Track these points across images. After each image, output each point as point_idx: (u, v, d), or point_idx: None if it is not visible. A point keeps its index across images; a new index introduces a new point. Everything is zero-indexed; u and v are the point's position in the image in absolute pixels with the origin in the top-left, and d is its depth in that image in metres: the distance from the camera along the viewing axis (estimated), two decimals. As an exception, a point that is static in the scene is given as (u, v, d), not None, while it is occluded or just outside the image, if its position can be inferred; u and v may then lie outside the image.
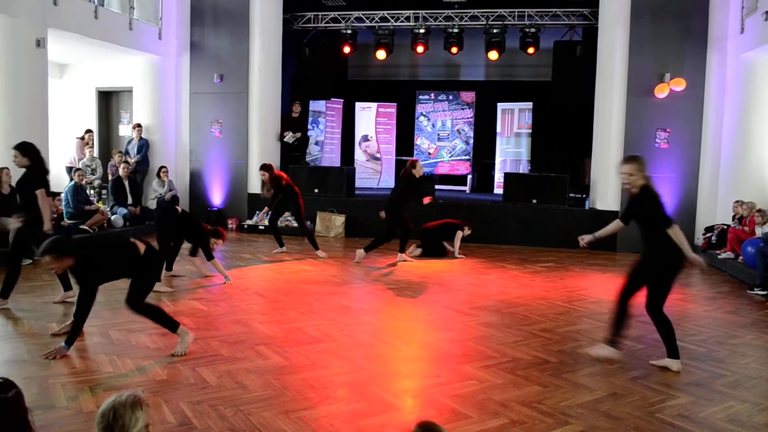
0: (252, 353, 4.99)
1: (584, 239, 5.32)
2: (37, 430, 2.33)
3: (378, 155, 15.27)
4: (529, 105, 14.36)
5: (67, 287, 6.47)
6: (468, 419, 3.86)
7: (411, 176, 9.19)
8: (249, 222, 12.18)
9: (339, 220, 11.85)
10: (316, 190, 12.22)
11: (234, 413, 3.84)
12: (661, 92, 10.45)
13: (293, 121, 13.17)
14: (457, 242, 9.87)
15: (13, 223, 6.34)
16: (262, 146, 12.50)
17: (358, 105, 15.34)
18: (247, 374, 4.51)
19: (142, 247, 4.96)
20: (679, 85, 10.36)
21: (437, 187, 13.63)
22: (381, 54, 13.25)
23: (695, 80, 10.50)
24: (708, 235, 10.04)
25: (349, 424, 3.74)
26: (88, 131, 12.36)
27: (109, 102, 13.82)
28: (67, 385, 4.22)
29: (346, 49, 13.44)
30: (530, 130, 14.37)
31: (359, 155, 15.29)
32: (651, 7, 10.59)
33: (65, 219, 9.47)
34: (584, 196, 11.98)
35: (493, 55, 12.85)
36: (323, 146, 14.91)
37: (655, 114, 10.68)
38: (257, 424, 3.70)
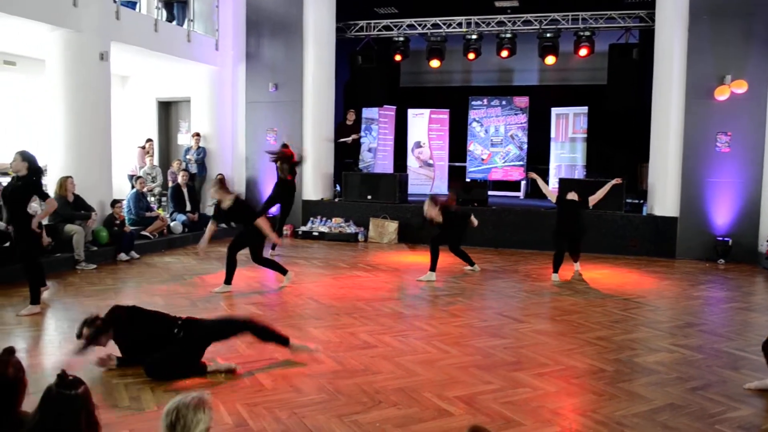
0: (306, 357, 5.07)
1: None
2: (102, 427, 2.44)
3: (431, 161, 15.27)
4: (585, 109, 14.13)
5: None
6: (521, 427, 3.84)
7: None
8: (303, 228, 12.34)
9: (392, 226, 11.90)
10: (369, 197, 12.30)
11: (288, 416, 3.91)
12: (722, 94, 10.15)
13: (347, 129, 13.33)
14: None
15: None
16: (317, 153, 12.65)
17: (411, 111, 15.37)
18: (302, 378, 4.59)
19: None
20: (740, 87, 10.04)
21: (490, 192, 13.52)
22: (435, 63, 13.30)
23: (758, 81, 10.14)
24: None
25: (401, 429, 3.77)
26: (149, 140, 12.75)
27: (168, 112, 14.24)
28: (130, 385, 4.37)
29: (398, 58, 13.56)
30: (585, 135, 14.14)
31: (412, 162, 15.32)
32: (710, 7, 10.30)
33: (127, 225, 9.78)
34: (642, 201, 11.71)
35: (550, 59, 12.72)
36: (376, 153, 15.00)
37: (716, 117, 10.37)
38: (311, 427, 3.77)
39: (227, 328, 5.01)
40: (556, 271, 8.60)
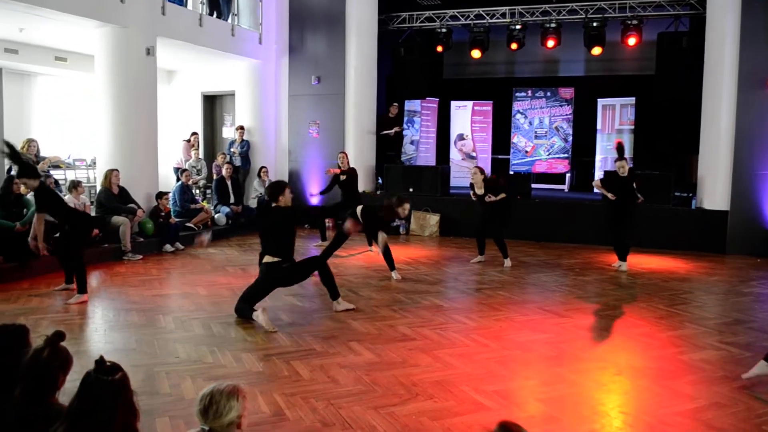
0: (344, 349, 5.09)
1: None
2: (141, 413, 2.47)
3: (473, 154, 15.14)
4: (632, 100, 13.81)
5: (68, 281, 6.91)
6: (559, 423, 3.78)
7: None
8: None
9: (434, 219, 11.85)
10: (411, 189, 12.26)
11: (325, 406, 3.93)
12: (776, 84, 9.80)
13: (390, 121, 13.29)
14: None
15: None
16: (359, 146, 12.68)
17: (454, 104, 15.26)
18: (339, 369, 4.61)
19: None
20: (796, 76, 9.67)
21: (534, 185, 13.34)
22: (475, 53, 13.16)
23: (815, 70, 9.76)
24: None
25: (437, 422, 3.75)
26: (194, 134, 12.96)
27: (213, 105, 14.44)
28: (171, 373, 4.46)
29: (439, 49, 13.47)
30: (633, 127, 13.82)
31: (454, 154, 15.23)
32: (765, -7, 9.94)
33: (173, 217, 9.96)
34: (690, 195, 11.39)
35: (596, 50, 12.45)
36: (418, 145, 14.94)
37: (770, 107, 10.02)
38: (347, 417, 3.78)
39: (307, 267, 6.24)
40: (623, 258, 8.78)
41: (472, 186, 9.19)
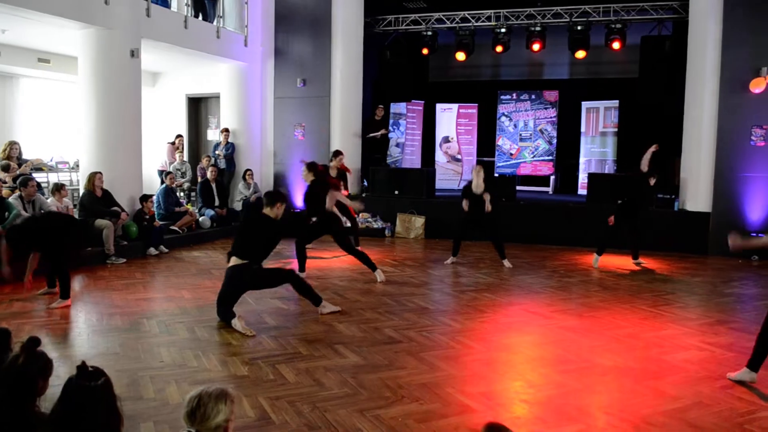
0: (330, 352, 5.09)
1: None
2: (126, 418, 2.46)
3: (459, 156, 15.19)
4: (616, 103, 13.92)
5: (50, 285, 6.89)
6: (544, 424, 3.80)
7: None
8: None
9: (419, 221, 11.87)
10: (397, 192, 12.28)
11: (311, 410, 3.93)
12: (757, 87, 9.91)
13: (376, 124, 13.30)
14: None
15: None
16: (344, 149, 12.61)
17: (439, 106, 15.30)
18: (325, 372, 4.60)
19: None
20: (777, 79, 9.80)
21: (519, 188, 13.39)
22: (460, 56, 13.19)
23: (795, 73, 9.89)
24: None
25: (423, 424, 3.76)
26: (179, 136, 12.90)
27: (198, 108, 14.38)
28: (156, 378, 4.43)
29: (425, 51, 13.50)
30: (616, 129, 13.93)
31: (440, 157, 15.26)
32: (746, -3, 10.06)
33: (157, 220, 9.90)
34: (673, 197, 11.49)
35: (580, 54, 12.54)
36: (404, 148, 14.96)
37: (751, 110, 10.12)
38: (333, 421, 3.77)
39: (276, 276, 6.16)
40: (599, 253, 9.23)
41: (468, 191, 9.05)
